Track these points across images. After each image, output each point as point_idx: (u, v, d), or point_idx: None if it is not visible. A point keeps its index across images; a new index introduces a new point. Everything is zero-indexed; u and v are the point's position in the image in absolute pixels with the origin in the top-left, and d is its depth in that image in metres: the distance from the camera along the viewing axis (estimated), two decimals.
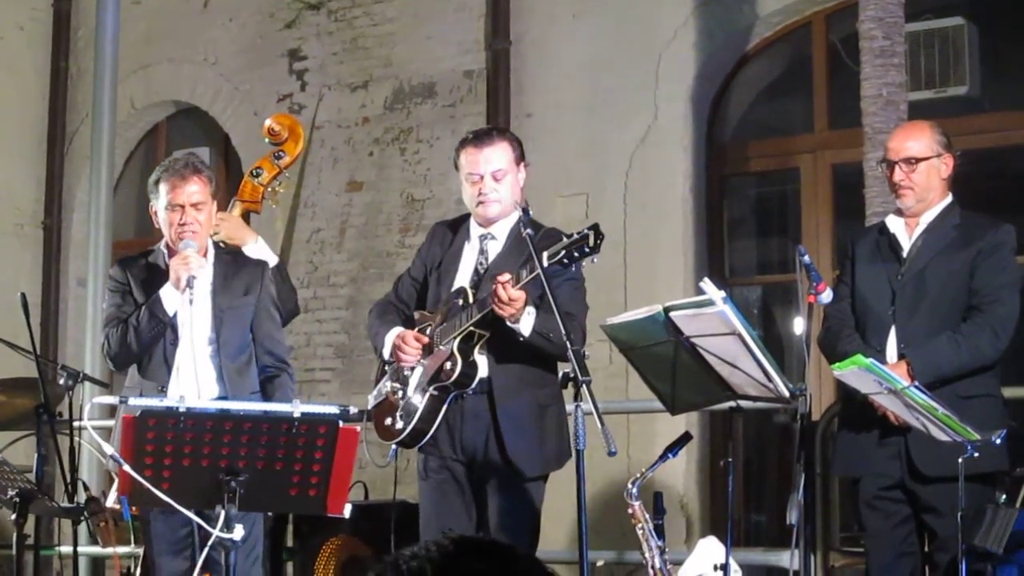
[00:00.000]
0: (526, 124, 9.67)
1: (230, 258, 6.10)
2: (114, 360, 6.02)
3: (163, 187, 5.87)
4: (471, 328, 5.55)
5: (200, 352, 5.85)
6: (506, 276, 5.36)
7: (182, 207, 5.84)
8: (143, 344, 5.87)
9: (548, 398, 5.69)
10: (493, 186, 5.72)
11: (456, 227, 5.94)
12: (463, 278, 5.75)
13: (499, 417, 5.60)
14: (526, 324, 5.47)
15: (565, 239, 5.21)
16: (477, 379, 5.61)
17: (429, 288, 5.90)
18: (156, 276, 5.93)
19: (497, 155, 5.74)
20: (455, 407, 5.66)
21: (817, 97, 9.31)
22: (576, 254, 5.15)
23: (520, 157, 5.81)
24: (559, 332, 5.39)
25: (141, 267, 6.03)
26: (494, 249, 5.76)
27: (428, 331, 5.73)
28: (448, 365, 5.59)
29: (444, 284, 5.81)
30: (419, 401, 5.66)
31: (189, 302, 5.73)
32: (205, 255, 5.94)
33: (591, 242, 5.12)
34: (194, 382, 5.76)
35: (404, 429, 5.67)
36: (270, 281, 6.16)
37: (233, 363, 5.92)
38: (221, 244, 6.20)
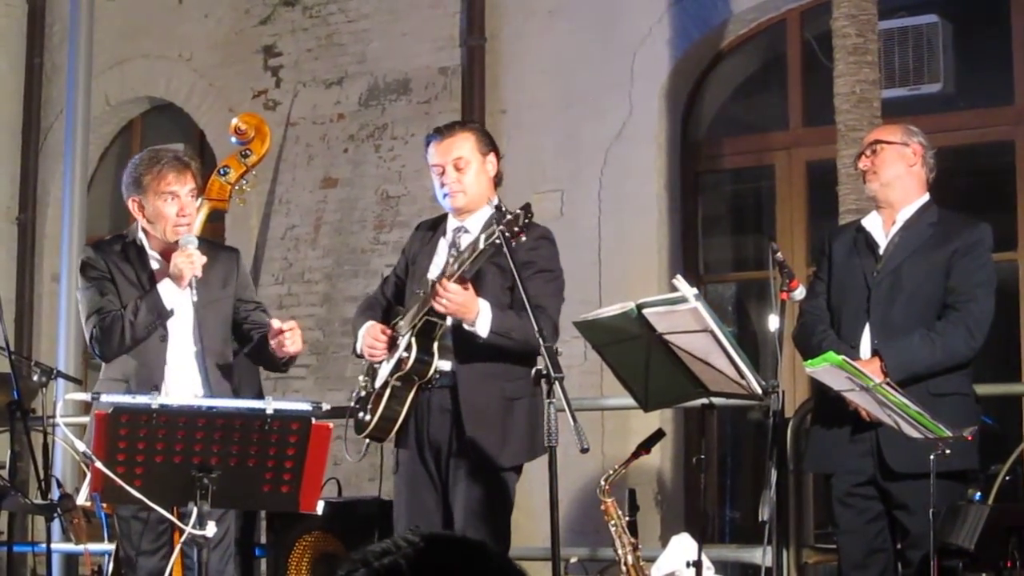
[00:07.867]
0: (501, 121, 9.67)
1: (204, 248, 5.87)
2: (103, 352, 5.80)
3: (161, 177, 5.68)
4: (428, 318, 5.53)
5: (187, 350, 5.76)
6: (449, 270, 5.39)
7: (179, 196, 5.70)
8: (137, 339, 5.69)
9: (517, 391, 5.64)
10: (455, 176, 5.70)
11: (437, 224, 5.94)
12: (434, 271, 5.72)
13: (462, 410, 5.59)
14: (482, 325, 5.47)
15: (495, 222, 5.20)
16: (435, 369, 5.58)
17: (406, 284, 5.91)
18: (139, 260, 5.79)
19: (458, 144, 5.72)
20: (423, 401, 5.66)
21: (792, 94, 9.33)
22: (508, 233, 5.13)
23: (487, 148, 5.78)
24: (521, 330, 5.40)
25: (119, 252, 5.83)
26: (466, 242, 5.71)
27: (395, 324, 5.75)
28: (405, 355, 5.60)
29: (415, 278, 5.81)
30: (383, 393, 5.66)
31: (192, 302, 5.64)
32: None
33: (521, 221, 5.12)
34: (185, 380, 5.70)
35: (371, 422, 5.67)
36: (245, 268, 6.08)
37: (216, 361, 5.78)
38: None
